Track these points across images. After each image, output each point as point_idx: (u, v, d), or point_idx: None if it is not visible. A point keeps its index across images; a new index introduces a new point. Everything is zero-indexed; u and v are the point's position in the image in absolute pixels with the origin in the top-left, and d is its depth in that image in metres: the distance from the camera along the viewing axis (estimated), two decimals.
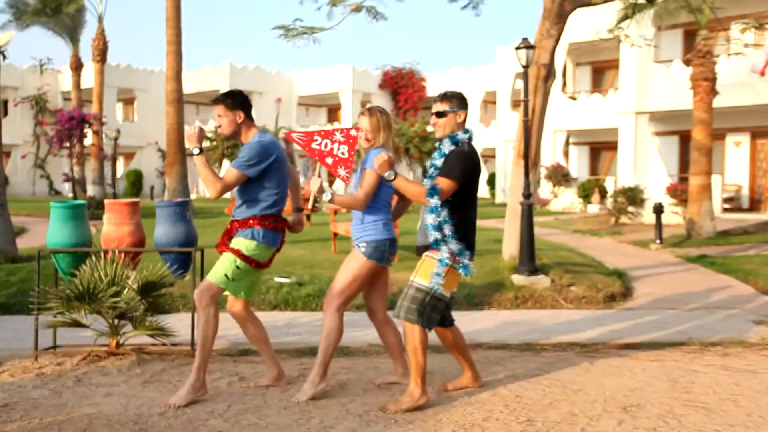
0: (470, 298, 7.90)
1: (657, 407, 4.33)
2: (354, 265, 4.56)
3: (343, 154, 4.51)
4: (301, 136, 4.60)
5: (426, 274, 4.30)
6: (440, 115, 4.44)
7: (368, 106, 4.79)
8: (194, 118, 36.97)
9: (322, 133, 4.56)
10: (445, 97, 4.48)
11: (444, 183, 4.28)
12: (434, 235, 4.27)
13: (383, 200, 4.58)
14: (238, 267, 4.55)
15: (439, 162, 4.36)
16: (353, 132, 4.55)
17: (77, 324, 5.50)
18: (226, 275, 4.53)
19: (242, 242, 4.56)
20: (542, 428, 3.98)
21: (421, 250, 4.45)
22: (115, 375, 5.10)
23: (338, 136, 4.54)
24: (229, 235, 4.69)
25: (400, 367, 4.82)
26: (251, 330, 4.80)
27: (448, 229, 4.26)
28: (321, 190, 4.40)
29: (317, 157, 4.55)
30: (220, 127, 4.68)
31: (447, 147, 4.39)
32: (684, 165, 20.84)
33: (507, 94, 28.33)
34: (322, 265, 9.36)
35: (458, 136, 4.41)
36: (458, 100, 4.47)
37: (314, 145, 4.54)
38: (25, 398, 4.55)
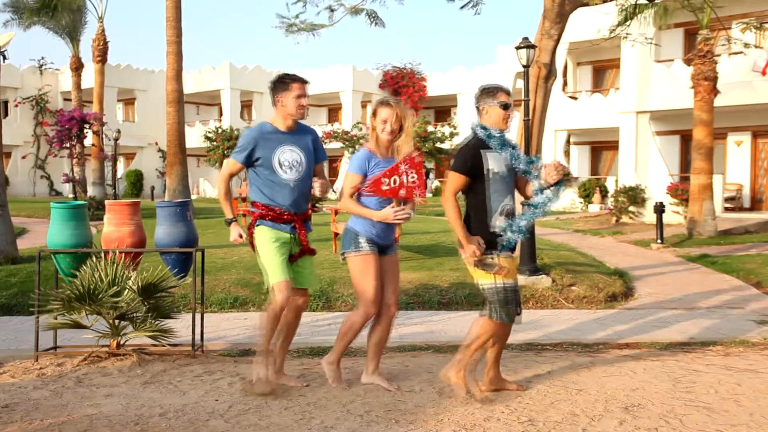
0: (471, 297, 7.89)
1: (658, 407, 4.33)
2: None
3: (413, 180, 4.51)
4: (369, 187, 4.52)
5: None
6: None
7: (382, 97, 4.69)
8: (195, 118, 36.91)
9: (388, 173, 4.51)
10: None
11: None
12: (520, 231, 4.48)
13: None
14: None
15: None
16: (417, 158, 4.54)
17: (78, 325, 5.49)
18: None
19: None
20: (543, 428, 3.97)
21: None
22: (116, 376, 5.09)
23: (403, 167, 4.51)
24: (303, 230, 4.70)
25: (371, 365, 4.83)
26: (291, 317, 4.75)
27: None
28: (406, 214, 4.54)
29: (392, 196, 4.51)
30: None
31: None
32: (685, 164, 20.84)
33: None
34: (322, 266, 9.33)
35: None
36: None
37: (384, 188, 4.50)
38: (25, 399, 4.54)
